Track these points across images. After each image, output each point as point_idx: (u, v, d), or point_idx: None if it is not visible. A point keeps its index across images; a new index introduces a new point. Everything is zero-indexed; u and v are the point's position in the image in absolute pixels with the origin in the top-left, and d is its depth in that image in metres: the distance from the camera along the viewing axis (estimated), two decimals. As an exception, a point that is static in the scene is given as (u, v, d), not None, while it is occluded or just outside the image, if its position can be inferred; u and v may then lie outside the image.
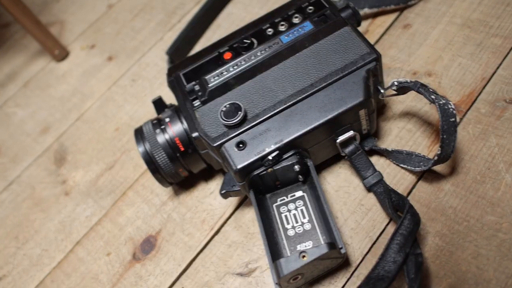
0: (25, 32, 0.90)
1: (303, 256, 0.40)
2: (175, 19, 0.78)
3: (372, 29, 0.61)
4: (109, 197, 0.60)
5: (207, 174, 0.56)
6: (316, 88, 0.47)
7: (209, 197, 0.55)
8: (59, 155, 0.67)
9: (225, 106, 0.47)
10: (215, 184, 0.55)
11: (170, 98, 0.62)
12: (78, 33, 0.85)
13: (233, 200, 0.53)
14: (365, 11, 0.62)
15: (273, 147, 0.45)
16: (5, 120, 0.76)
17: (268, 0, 0.73)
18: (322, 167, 0.51)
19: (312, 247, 0.42)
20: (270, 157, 0.45)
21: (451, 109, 0.43)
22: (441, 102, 0.43)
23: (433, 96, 0.44)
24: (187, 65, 0.54)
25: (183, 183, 0.56)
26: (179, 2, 0.80)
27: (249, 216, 0.51)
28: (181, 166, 0.52)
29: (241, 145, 0.46)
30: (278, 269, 0.40)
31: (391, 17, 0.62)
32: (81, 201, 0.61)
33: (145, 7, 0.82)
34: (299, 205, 0.47)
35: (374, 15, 0.63)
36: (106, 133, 0.67)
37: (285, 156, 0.46)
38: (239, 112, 0.47)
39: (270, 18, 0.54)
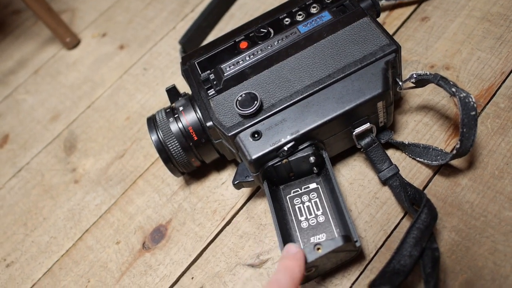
0: (36, 19, 0.90)
1: (318, 249, 0.40)
2: (188, 9, 0.77)
3: (389, 21, 0.60)
4: (119, 186, 0.59)
5: (219, 164, 0.55)
6: (334, 79, 0.46)
7: (220, 187, 0.54)
8: (69, 142, 0.67)
9: (241, 96, 0.47)
10: (227, 174, 0.55)
11: (182, 87, 0.62)
12: (90, 21, 0.84)
13: (245, 191, 0.53)
14: (383, 3, 0.61)
15: (288, 137, 0.45)
16: (15, 106, 0.76)
17: (282, -9, 0.72)
18: (336, 159, 0.51)
19: (327, 240, 0.41)
20: (285, 148, 0.44)
21: (472, 103, 0.42)
22: (462, 95, 0.42)
23: (453, 89, 0.43)
24: (201, 54, 0.53)
25: (194, 173, 0.56)
26: (192, -9, 0.79)
27: (261, 207, 0.51)
28: (193, 156, 0.51)
29: (256, 135, 0.45)
30: (292, 261, 0.40)
31: (409, 10, 0.61)
32: (90, 189, 0.60)
33: (157, -4, 0.82)
34: (313, 197, 0.46)
35: (392, 7, 0.62)
36: (117, 121, 0.66)
37: (300, 147, 0.45)
38: (255, 102, 0.46)
39: (287, 7, 0.53)
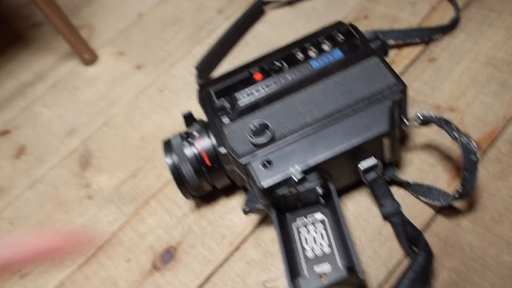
0: (55, 33, 0.93)
1: (322, 278, 0.42)
2: (204, 33, 0.80)
3: (398, 60, 0.63)
4: (132, 205, 0.61)
5: (229, 190, 0.58)
6: (343, 114, 0.48)
7: (230, 213, 0.56)
8: (84, 158, 0.69)
9: (253, 125, 0.49)
10: (236, 200, 0.57)
11: (196, 111, 0.64)
12: (107, 39, 0.87)
13: (253, 218, 0.55)
14: (391, 42, 0.64)
15: (298, 168, 0.47)
16: (33, 119, 0.79)
17: (296, 23, 0.75)
18: (343, 192, 0.53)
19: (332, 271, 0.43)
20: (294, 178, 0.47)
21: (473, 148, 0.44)
22: (463, 140, 0.45)
23: (456, 134, 0.46)
24: (217, 82, 0.56)
25: (205, 197, 0.58)
26: (208, 17, 0.82)
27: (269, 235, 0.53)
28: (205, 180, 0.53)
29: (267, 164, 0.48)
30: (297, 289, 0.42)
31: (416, 50, 0.63)
32: (103, 206, 0.63)
33: (174, 19, 0.85)
34: (319, 227, 0.49)
35: (400, 46, 0.64)
36: (131, 140, 0.69)
37: (308, 178, 0.48)
38: (267, 132, 0.48)
39: (301, 43, 0.56)
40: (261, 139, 0.48)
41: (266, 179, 0.47)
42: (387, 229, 0.49)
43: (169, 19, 0.85)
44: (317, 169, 0.48)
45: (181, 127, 0.68)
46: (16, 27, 0.98)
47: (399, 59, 0.63)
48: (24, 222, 0.65)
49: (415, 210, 0.50)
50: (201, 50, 0.77)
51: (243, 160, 0.48)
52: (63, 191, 0.66)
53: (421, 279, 0.41)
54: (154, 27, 0.85)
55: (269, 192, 0.48)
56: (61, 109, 0.78)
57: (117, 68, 0.81)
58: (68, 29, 0.80)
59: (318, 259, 0.47)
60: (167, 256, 0.55)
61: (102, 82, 0.80)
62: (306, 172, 0.47)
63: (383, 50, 0.53)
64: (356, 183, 0.52)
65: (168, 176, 0.62)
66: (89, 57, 0.83)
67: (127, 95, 0.76)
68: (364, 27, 0.67)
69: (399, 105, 0.49)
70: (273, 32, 0.75)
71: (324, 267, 0.46)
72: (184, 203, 0.59)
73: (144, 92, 0.75)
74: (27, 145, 0.75)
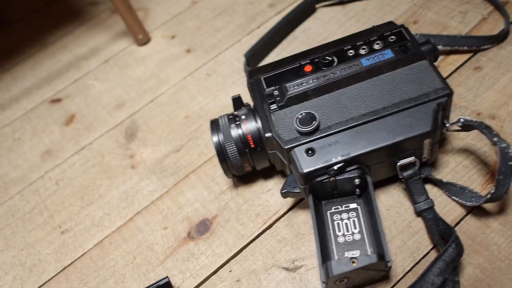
0: (111, 13, 0.97)
1: (353, 262, 0.44)
2: (254, 25, 0.83)
3: (443, 65, 0.64)
4: (172, 177, 0.65)
5: (268, 173, 0.60)
6: (388, 112, 0.50)
7: (266, 193, 0.59)
8: (130, 131, 0.73)
9: (301, 114, 0.52)
10: (273, 183, 0.59)
11: (244, 97, 0.67)
12: (161, 22, 0.91)
13: (288, 201, 0.57)
14: (439, 48, 0.65)
15: (339, 158, 0.49)
16: (84, 90, 0.83)
17: (346, 21, 0.77)
18: (378, 185, 0.55)
19: (362, 255, 0.45)
20: (335, 167, 0.49)
21: (510, 153, 0.46)
22: (502, 146, 0.46)
23: (495, 139, 0.47)
24: (267, 71, 0.58)
25: (243, 177, 0.61)
26: (260, 9, 0.85)
27: (302, 217, 0.55)
28: (247, 161, 0.56)
29: (310, 152, 0.50)
30: (328, 269, 0.44)
31: (463, 57, 0.65)
32: (145, 176, 0.66)
33: (227, 9, 0.88)
34: (352, 216, 0.51)
35: (448, 53, 0.66)
36: (176, 118, 0.72)
37: (348, 169, 0.50)
38: (314, 122, 0.51)
39: (352, 40, 0.58)
40: (307, 128, 0.51)
41: (308, 166, 0.49)
42: (418, 224, 0.51)
43: (221, 9, 0.88)
44: (357, 161, 0.50)
45: (225, 110, 0.71)
46: (75, 4, 1.03)
47: (444, 65, 0.64)
48: (69, 183, 0.69)
49: (447, 208, 0.51)
50: (250, 41, 0.80)
51: (287, 146, 0.51)
52: (108, 159, 0.70)
53: (449, 270, 0.43)
54: (206, 14, 0.88)
55: (309, 178, 0.50)
56: (112, 83, 0.82)
57: (168, 50, 0.85)
58: (126, 9, 0.84)
59: (349, 245, 0.49)
60: (203, 227, 0.58)
61: (152, 62, 0.84)
62: (346, 162, 0.49)
63: (433, 55, 0.55)
64: (391, 178, 0.54)
65: (210, 154, 0.65)
66: (142, 37, 0.87)
67: (175, 76, 0.79)
68: (413, 31, 0.68)
69: (443, 109, 0.51)
70: (322, 29, 0.77)
71: (353, 253, 0.48)
72: (222, 181, 0.62)
73: (192, 75, 0.78)
74: (76, 114, 0.79)
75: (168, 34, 0.88)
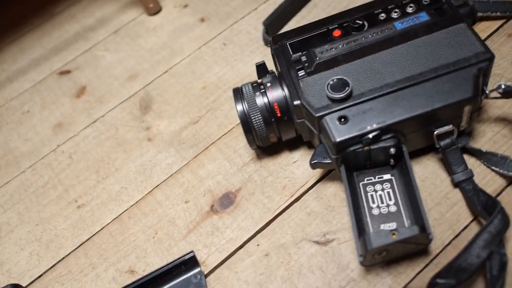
0: (119, -18, 0.93)
1: (393, 234, 0.42)
2: (271, -8, 0.79)
3: (476, 32, 0.61)
4: (191, 150, 0.62)
5: (292, 145, 0.58)
6: (425, 78, 0.48)
7: (292, 165, 0.56)
8: (145, 102, 0.70)
9: (332, 80, 0.49)
10: (299, 154, 0.57)
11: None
12: (172, -9, 0.87)
13: (316, 172, 0.55)
14: (471, 13, 0.62)
15: (375, 126, 0.46)
16: (94, 61, 0.79)
17: (369, -12, 0.73)
18: (411, 156, 0.52)
19: (403, 227, 0.43)
20: (369, 136, 0.46)
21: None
22: (548, 112, 0.44)
23: (539, 105, 0.44)
24: (293, 36, 0.55)
25: (267, 148, 0.58)
26: (277, -24, 0.81)
27: (331, 190, 0.53)
28: (273, 131, 0.53)
29: (343, 120, 0.47)
30: (367, 242, 0.42)
31: (496, 24, 0.62)
32: (163, 148, 0.63)
33: (241, -24, 0.84)
34: (386, 187, 0.48)
35: (480, 19, 0.63)
36: (193, 89, 0.69)
37: (383, 138, 0.47)
38: (346, 88, 0.48)
39: (383, 3, 0.55)
40: (339, 95, 0.48)
41: (341, 134, 0.47)
42: (455, 194, 0.49)
43: (235, -24, 0.85)
44: (392, 129, 0.47)
45: (244, 80, 0.68)
46: (80, -27, 0.99)
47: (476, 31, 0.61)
48: (83, 157, 0.66)
49: (486, 179, 0.49)
50: (267, 8, 0.76)
51: (319, 114, 0.48)
52: (122, 132, 0.67)
53: (495, 242, 0.41)
54: (220, -18, 0.85)
55: (342, 148, 0.47)
56: (123, 54, 0.79)
57: (181, 20, 0.81)
58: (136, -23, 0.80)
59: (384, 217, 0.46)
60: (226, 200, 0.55)
61: (165, 32, 0.80)
62: (381, 131, 0.47)
63: (471, 18, 0.52)
64: (424, 148, 0.52)
65: (230, 126, 0.63)
66: (153, 6, 0.83)
67: (190, 46, 0.76)
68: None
69: (484, 74, 0.48)
70: (343, -4, 0.74)
71: (389, 225, 0.46)
72: (245, 153, 0.59)
73: (207, 45, 0.75)
74: (87, 86, 0.76)
75: (180, 3, 0.84)
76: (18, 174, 0.66)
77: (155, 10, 0.84)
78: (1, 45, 0.89)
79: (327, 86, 0.48)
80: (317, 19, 0.57)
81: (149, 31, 0.81)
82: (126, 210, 0.59)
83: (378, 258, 0.45)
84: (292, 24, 0.73)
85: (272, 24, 0.71)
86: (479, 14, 0.62)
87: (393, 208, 0.47)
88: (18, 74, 0.81)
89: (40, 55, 0.83)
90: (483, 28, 0.62)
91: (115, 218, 0.58)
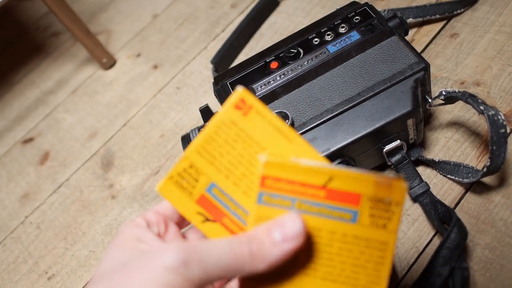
0: (74, 41, 0.94)
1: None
2: (219, 29, 0.79)
3: (418, 38, 0.61)
4: (154, 202, 0.61)
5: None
6: (364, 97, 0.47)
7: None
8: (106, 160, 0.70)
9: (272, 114, 0.48)
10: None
11: (215, 105, 0.63)
12: (125, 42, 0.88)
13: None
14: (410, 20, 0.62)
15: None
16: (55, 125, 0.79)
17: (311, 9, 0.73)
18: (367, 176, 0.51)
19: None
20: (316, 165, 0.45)
21: (500, 120, 0.42)
22: (490, 113, 0.43)
23: (481, 107, 0.43)
24: (233, 74, 0.55)
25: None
26: (222, 12, 0.82)
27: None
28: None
29: (288, 153, 0.46)
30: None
31: (437, 26, 0.61)
32: (127, 205, 0.63)
33: (189, 17, 0.84)
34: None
35: (420, 24, 0.62)
36: (151, 139, 0.69)
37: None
38: (286, 121, 0.47)
39: (316, 27, 0.54)
40: (281, 127, 0.47)
41: (287, 167, 0.46)
42: (415, 210, 0.47)
43: (183, 18, 0.85)
44: (339, 154, 0.46)
45: (200, 121, 0.67)
46: (37, 38, 1.00)
47: (419, 37, 0.61)
48: (50, 225, 0.65)
49: (444, 189, 0.48)
50: (216, 46, 0.76)
51: (263, 150, 0.47)
52: (87, 193, 0.67)
53: (455, 257, 0.39)
54: (169, 26, 0.85)
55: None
56: (82, 113, 0.79)
57: (135, 70, 0.81)
58: (86, 36, 0.80)
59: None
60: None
61: (120, 84, 0.80)
62: (328, 157, 0.46)
63: (402, 29, 0.51)
64: (382, 166, 0.50)
65: (190, 172, 0.62)
66: (107, 61, 0.83)
67: (145, 95, 0.76)
68: (381, 8, 0.65)
69: (422, 84, 0.47)
70: (288, 22, 0.74)
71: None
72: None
73: (162, 91, 0.75)
74: (50, 151, 0.76)
75: (133, 53, 0.84)
76: (-12, 253, 0.66)
77: (109, 64, 0.84)
78: (-35, 122, 0.89)
79: (268, 122, 0.48)
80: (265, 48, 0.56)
81: (105, 85, 0.82)
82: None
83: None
84: (242, 57, 0.73)
85: (221, 61, 0.71)
86: (419, 19, 0.62)
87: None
88: (-18, 150, 0.81)
89: (2, 127, 0.84)
90: (425, 33, 0.61)
91: (86, 285, 0.57)
